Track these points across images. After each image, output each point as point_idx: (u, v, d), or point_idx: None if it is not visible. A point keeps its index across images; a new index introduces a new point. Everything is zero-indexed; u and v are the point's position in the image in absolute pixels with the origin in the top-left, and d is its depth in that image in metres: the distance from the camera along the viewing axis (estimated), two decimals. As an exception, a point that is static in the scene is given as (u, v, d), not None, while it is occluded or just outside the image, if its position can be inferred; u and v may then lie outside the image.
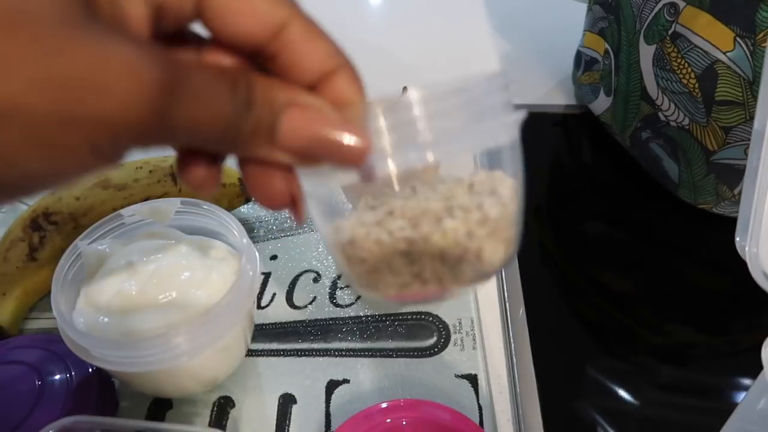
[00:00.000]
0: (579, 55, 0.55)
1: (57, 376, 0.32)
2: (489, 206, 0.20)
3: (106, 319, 0.31)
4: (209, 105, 0.16)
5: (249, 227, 0.44)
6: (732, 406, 0.33)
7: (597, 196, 0.49)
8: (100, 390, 0.33)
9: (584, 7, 0.53)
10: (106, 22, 0.16)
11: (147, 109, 0.15)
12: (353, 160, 0.18)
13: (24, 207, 0.44)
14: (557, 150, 0.53)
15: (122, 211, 0.35)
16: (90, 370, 0.33)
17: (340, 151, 0.18)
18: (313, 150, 0.18)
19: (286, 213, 0.45)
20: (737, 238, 0.27)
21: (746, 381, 0.36)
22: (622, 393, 0.36)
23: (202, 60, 0.19)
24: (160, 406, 0.34)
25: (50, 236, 0.38)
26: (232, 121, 0.17)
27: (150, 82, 0.15)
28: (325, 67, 0.18)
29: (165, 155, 0.43)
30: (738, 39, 0.35)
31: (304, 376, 0.36)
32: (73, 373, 0.32)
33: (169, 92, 0.15)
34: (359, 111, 0.19)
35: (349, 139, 0.17)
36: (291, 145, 0.18)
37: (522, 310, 0.39)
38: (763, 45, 0.34)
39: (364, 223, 0.20)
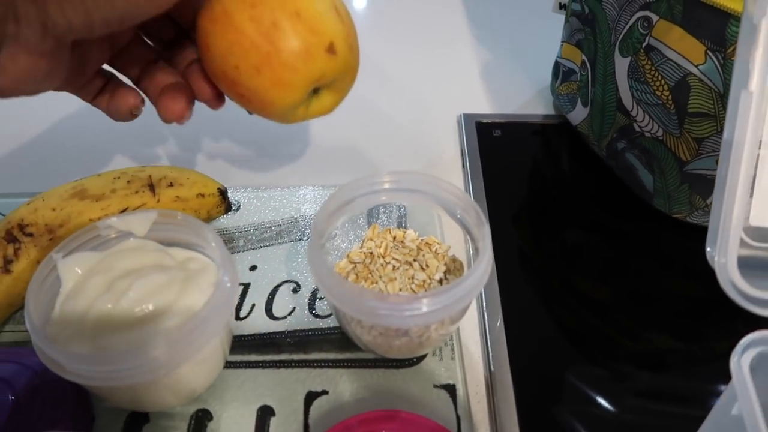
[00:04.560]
0: (557, 66, 0.55)
1: (30, 391, 0.32)
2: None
3: (81, 333, 0.30)
4: None
5: (228, 237, 0.44)
6: (707, 412, 0.33)
7: (575, 205, 0.49)
8: (75, 404, 0.32)
9: (563, 18, 0.54)
10: None
11: None
12: None
13: (0, 218, 0.43)
14: (536, 159, 0.54)
15: (98, 223, 0.34)
16: (65, 384, 0.32)
17: None
18: None
19: (266, 223, 0.45)
20: (707, 249, 0.27)
21: (722, 387, 0.37)
22: (600, 399, 0.36)
23: None
24: (137, 420, 0.34)
25: (25, 248, 0.38)
26: None
27: None
28: None
29: (143, 165, 0.43)
30: (709, 53, 0.36)
31: (282, 387, 0.36)
32: (47, 388, 0.32)
33: None
34: None
35: None
36: None
37: (500, 319, 0.39)
38: (733, 58, 0.35)
39: None
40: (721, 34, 0.35)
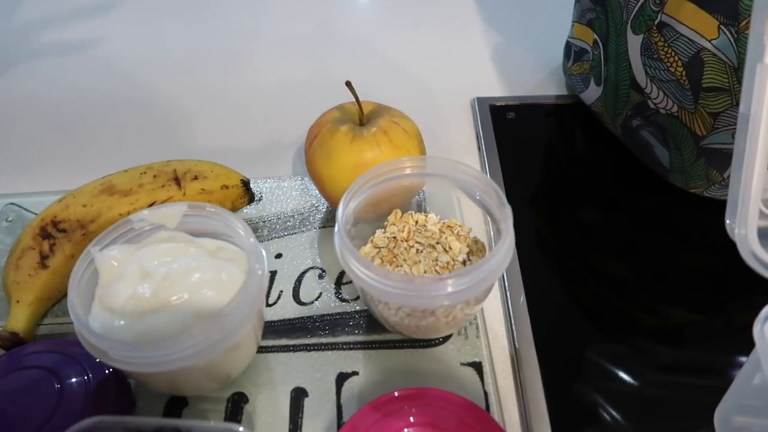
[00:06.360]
0: (568, 46, 0.56)
1: (75, 379, 0.33)
2: None
3: (121, 322, 0.32)
4: None
5: (253, 227, 0.45)
6: (729, 384, 0.34)
7: (591, 184, 0.50)
8: (118, 390, 0.34)
9: (572, -2, 0.54)
10: None
11: None
12: None
13: (32, 216, 0.45)
14: (551, 140, 0.54)
15: (131, 217, 0.35)
16: (107, 371, 0.34)
17: None
18: None
19: (288, 212, 0.46)
20: (727, 221, 0.28)
21: (742, 359, 0.38)
22: (622, 375, 0.37)
23: None
24: (176, 405, 0.35)
25: (60, 243, 0.39)
26: None
27: None
28: None
29: (168, 160, 0.44)
30: (722, 27, 0.36)
31: (314, 369, 0.37)
32: (90, 375, 0.33)
33: None
34: None
35: None
36: None
37: (522, 298, 0.40)
38: (746, 32, 0.35)
39: None
40: (733, 7, 0.35)
